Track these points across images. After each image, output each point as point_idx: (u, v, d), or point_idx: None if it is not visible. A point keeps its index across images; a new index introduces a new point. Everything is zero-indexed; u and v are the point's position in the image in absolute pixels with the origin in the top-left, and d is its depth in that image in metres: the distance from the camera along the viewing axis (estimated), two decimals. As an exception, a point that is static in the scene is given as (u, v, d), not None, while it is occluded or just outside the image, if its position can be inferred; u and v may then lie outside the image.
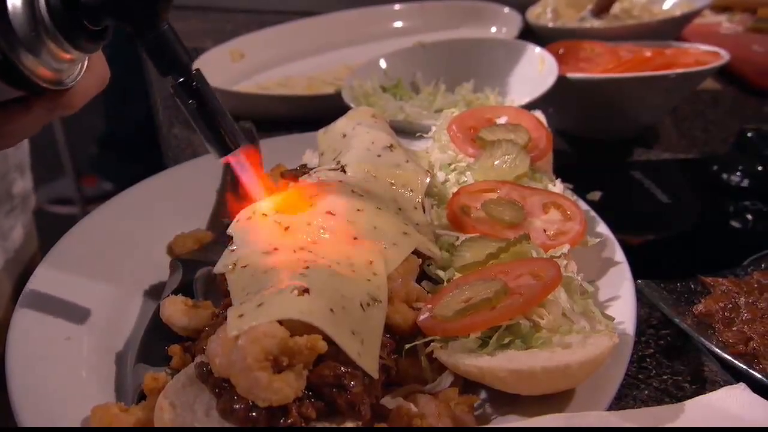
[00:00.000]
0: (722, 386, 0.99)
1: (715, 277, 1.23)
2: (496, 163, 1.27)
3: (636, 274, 1.16)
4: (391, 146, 1.32)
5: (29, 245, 1.81)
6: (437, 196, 1.28)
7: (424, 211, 1.24)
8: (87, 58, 0.98)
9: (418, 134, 1.48)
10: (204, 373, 0.87)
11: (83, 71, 0.99)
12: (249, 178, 1.08)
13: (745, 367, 1.04)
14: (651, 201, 1.65)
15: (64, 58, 0.93)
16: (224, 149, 1.00)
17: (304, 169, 1.34)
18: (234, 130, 1.00)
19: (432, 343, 0.98)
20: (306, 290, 0.90)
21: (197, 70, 0.96)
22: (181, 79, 0.95)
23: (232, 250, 1.07)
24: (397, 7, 2.71)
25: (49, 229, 1.97)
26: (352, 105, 1.73)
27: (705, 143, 1.92)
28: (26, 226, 1.79)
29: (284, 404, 0.81)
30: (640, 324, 1.20)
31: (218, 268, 1.04)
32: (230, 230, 1.11)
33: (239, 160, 1.05)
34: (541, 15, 2.39)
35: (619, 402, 1.07)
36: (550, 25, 2.31)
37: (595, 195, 1.59)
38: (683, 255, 1.49)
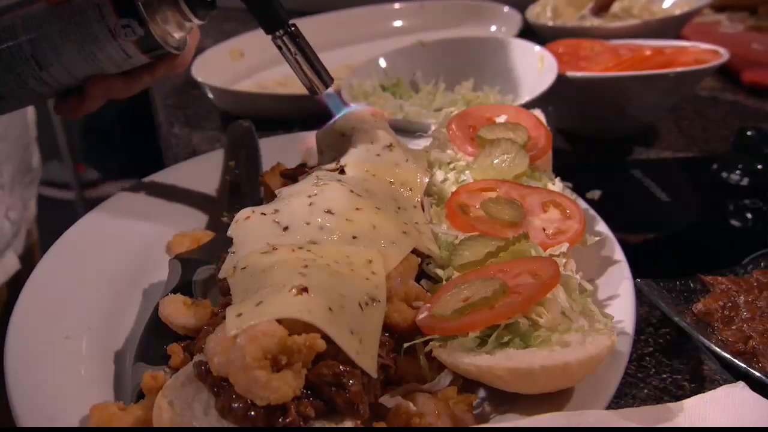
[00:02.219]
0: (722, 385, 0.99)
1: (714, 276, 1.23)
2: (495, 161, 1.27)
3: (635, 272, 1.16)
4: (390, 145, 1.32)
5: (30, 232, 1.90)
6: (436, 195, 1.28)
7: (423, 210, 1.24)
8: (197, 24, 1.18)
9: (417, 133, 1.48)
10: (203, 372, 0.87)
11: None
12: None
13: (744, 365, 1.04)
14: (650, 200, 1.65)
15: (184, 27, 1.14)
16: (325, 84, 1.22)
17: (303, 168, 1.34)
18: (327, 73, 1.23)
19: (431, 342, 0.98)
20: (305, 289, 0.90)
21: (294, 24, 1.16)
22: (284, 35, 1.16)
23: (233, 253, 1.07)
24: (396, 5, 2.71)
25: (46, 215, 2.00)
26: (351, 104, 1.73)
27: (704, 142, 1.92)
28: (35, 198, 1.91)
29: (283, 403, 0.81)
30: (640, 323, 1.20)
31: (221, 274, 1.05)
32: (230, 232, 1.11)
33: (330, 92, 1.27)
34: (541, 14, 2.39)
35: (619, 401, 1.07)
36: (550, 23, 2.31)
37: (595, 194, 1.59)
38: (683, 253, 1.49)
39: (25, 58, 1.10)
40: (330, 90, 1.25)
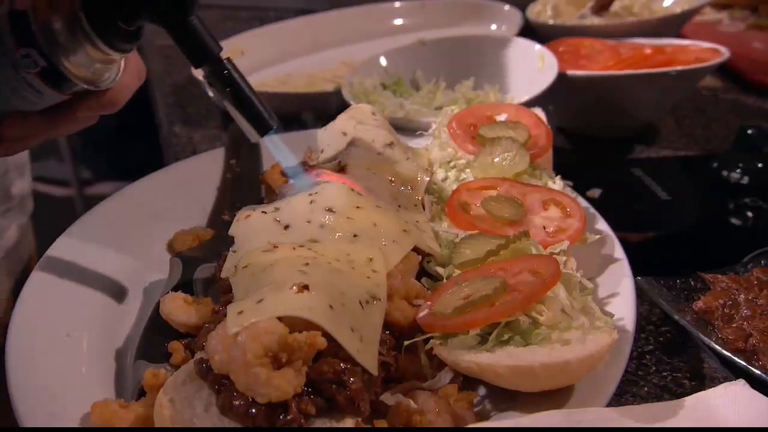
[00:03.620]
0: (722, 383, 0.99)
1: (714, 274, 1.23)
2: (495, 160, 1.27)
3: (636, 271, 1.16)
4: (391, 144, 1.32)
5: (24, 247, 1.79)
6: (437, 194, 1.28)
7: (423, 208, 1.24)
8: (125, 56, 1.03)
9: (418, 132, 1.48)
10: (204, 370, 0.87)
11: (122, 70, 1.04)
12: (284, 155, 1.13)
13: (744, 363, 1.04)
14: (651, 198, 1.65)
15: (102, 60, 0.98)
16: (262, 130, 1.05)
17: (304, 167, 1.34)
18: (268, 111, 1.04)
19: (431, 340, 0.99)
20: (305, 287, 0.90)
21: (227, 57, 1.01)
22: (213, 68, 1.00)
23: (234, 252, 1.08)
24: (397, 4, 2.71)
25: (45, 212, 1.96)
26: (352, 102, 1.74)
27: (705, 140, 1.92)
28: (22, 227, 1.77)
29: (283, 400, 0.81)
30: (640, 321, 1.20)
31: (223, 273, 1.05)
32: (231, 231, 1.12)
33: (274, 140, 1.11)
34: (541, 12, 2.39)
35: (619, 398, 1.07)
36: (551, 22, 2.30)
37: (595, 192, 1.59)
38: (683, 252, 1.49)
39: None
40: (273, 134, 1.08)
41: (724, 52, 1.80)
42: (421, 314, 1.00)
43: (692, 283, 1.23)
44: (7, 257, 1.68)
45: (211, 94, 1.00)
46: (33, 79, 0.95)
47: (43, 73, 0.94)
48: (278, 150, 1.14)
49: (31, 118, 1.03)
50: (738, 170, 1.67)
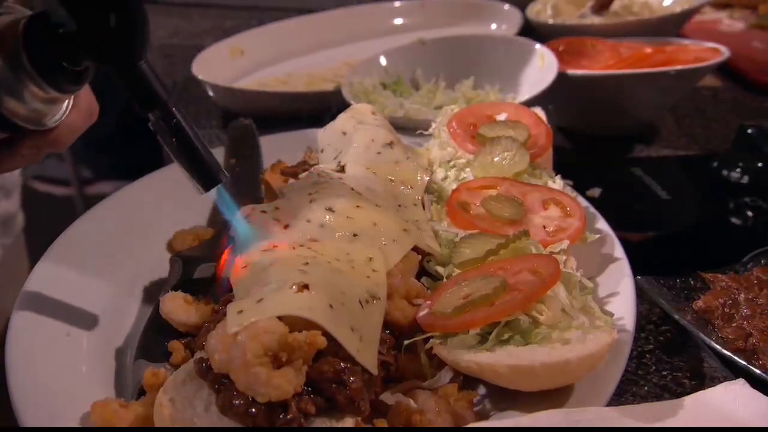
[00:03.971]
0: (722, 382, 0.99)
1: (714, 274, 1.23)
2: (495, 159, 1.27)
3: (636, 270, 1.16)
4: (390, 143, 1.32)
5: (14, 265, 1.75)
6: (437, 193, 1.28)
7: (423, 207, 1.24)
8: (71, 96, 0.99)
9: (418, 131, 1.48)
10: (203, 369, 0.87)
11: (69, 109, 1.00)
12: (230, 212, 1.09)
13: (744, 363, 1.04)
14: (651, 197, 1.65)
15: (45, 99, 0.93)
16: (207, 184, 0.98)
17: (304, 166, 1.34)
18: (216, 165, 0.98)
19: (431, 339, 0.99)
20: (305, 286, 0.90)
21: (177, 106, 0.95)
22: (161, 116, 0.94)
23: (234, 252, 1.07)
24: (397, 4, 2.71)
25: (44, 210, 1.94)
26: (352, 102, 1.73)
27: (705, 140, 1.92)
28: (6, 247, 1.71)
29: (283, 400, 0.81)
30: (640, 320, 1.20)
31: (224, 273, 1.05)
32: (231, 231, 1.12)
33: (221, 194, 1.05)
34: (541, 12, 2.39)
35: (619, 398, 1.07)
36: (550, 21, 2.30)
37: (595, 192, 1.59)
38: (683, 251, 1.49)
39: None
40: (220, 188, 1.02)
41: (724, 52, 1.80)
42: (421, 314, 1.00)
43: (692, 282, 1.23)
44: None
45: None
46: None
47: None
48: (224, 204, 1.09)
49: None
50: (738, 170, 1.67)
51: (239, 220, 1.11)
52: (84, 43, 0.88)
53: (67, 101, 1.00)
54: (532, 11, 2.38)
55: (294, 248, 1.03)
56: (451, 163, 1.34)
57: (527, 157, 1.27)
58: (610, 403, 0.94)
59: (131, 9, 0.87)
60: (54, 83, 0.91)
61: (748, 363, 1.04)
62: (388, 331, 0.98)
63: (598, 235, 1.21)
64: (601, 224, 1.27)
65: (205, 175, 0.98)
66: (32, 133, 0.96)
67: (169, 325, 1.07)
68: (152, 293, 1.20)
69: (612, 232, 1.24)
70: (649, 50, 1.86)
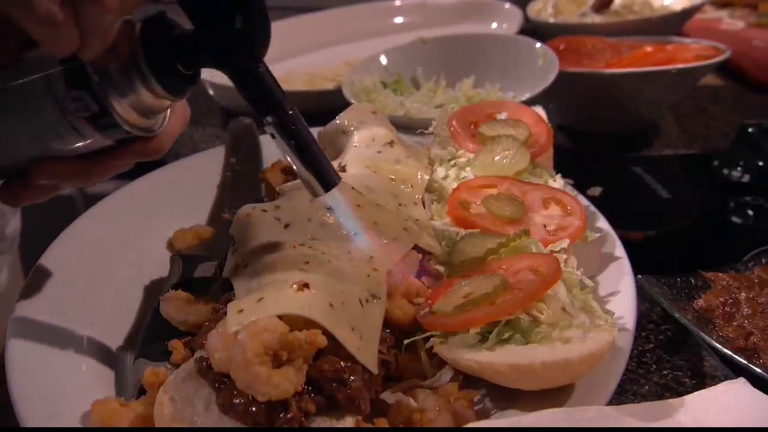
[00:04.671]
0: (722, 381, 0.99)
1: (715, 272, 1.23)
2: (496, 158, 1.27)
3: (636, 269, 1.16)
4: (391, 142, 1.32)
5: (15, 286, 1.75)
6: (437, 192, 1.28)
7: (424, 206, 1.24)
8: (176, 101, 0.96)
9: (418, 130, 1.48)
10: (204, 368, 0.87)
11: (168, 114, 0.98)
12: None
13: (745, 362, 1.04)
14: (651, 196, 1.65)
15: (155, 106, 0.91)
16: (326, 186, 0.94)
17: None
18: (330, 168, 0.94)
19: (432, 338, 0.98)
20: (306, 285, 0.90)
21: (294, 108, 0.92)
22: (278, 119, 0.91)
23: (234, 251, 1.07)
24: (397, 2, 2.71)
25: (44, 209, 1.93)
26: (352, 101, 1.73)
27: (706, 139, 1.92)
28: (11, 266, 1.68)
29: (284, 399, 0.81)
30: (640, 319, 1.20)
31: (224, 273, 1.05)
32: (231, 230, 1.12)
33: (335, 196, 1.01)
34: (542, 10, 2.39)
35: (619, 397, 1.07)
36: (551, 20, 2.31)
37: (596, 190, 1.59)
38: (683, 250, 1.49)
39: None
40: (335, 192, 0.96)
41: (725, 51, 1.80)
42: (422, 313, 1.00)
43: (693, 281, 1.22)
44: (1, 300, 1.61)
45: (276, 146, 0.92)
46: (80, 123, 0.87)
47: (93, 117, 0.86)
48: (339, 207, 1.09)
49: (66, 164, 0.93)
50: (738, 168, 1.67)
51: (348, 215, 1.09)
52: (204, 46, 0.85)
53: (170, 107, 0.97)
54: (533, 10, 2.38)
55: (294, 247, 1.03)
56: (452, 162, 1.34)
57: (528, 155, 1.27)
58: (610, 402, 0.94)
59: (257, 9, 0.86)
60: (169, 87, 0.88)
61: (748, 362, 1.04)
62: (388, 330, 0.98)
63: (598, 234, 1.21)
64: (602, 223, 1.27)
65: (323, 177, 0.93)
66: (135, 141, 0.94)
67: (169, 324, 1.07)
68: (152, 292, 1.20)
69: (612, 231, 1.24)
70: (649, 49, 1.86)
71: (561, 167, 1.33)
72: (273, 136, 0.92)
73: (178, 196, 1.39)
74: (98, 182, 0.99)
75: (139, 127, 0.91)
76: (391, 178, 1.24)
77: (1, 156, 0.92)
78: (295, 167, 0.94)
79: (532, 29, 2.28)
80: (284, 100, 0.91)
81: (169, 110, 0.97)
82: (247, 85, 0.89)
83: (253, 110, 0.91)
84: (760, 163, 1.66)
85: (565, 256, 1.08)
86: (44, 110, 0.86)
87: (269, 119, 0.91)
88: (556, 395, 0.94)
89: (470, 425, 0.89)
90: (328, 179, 0.93)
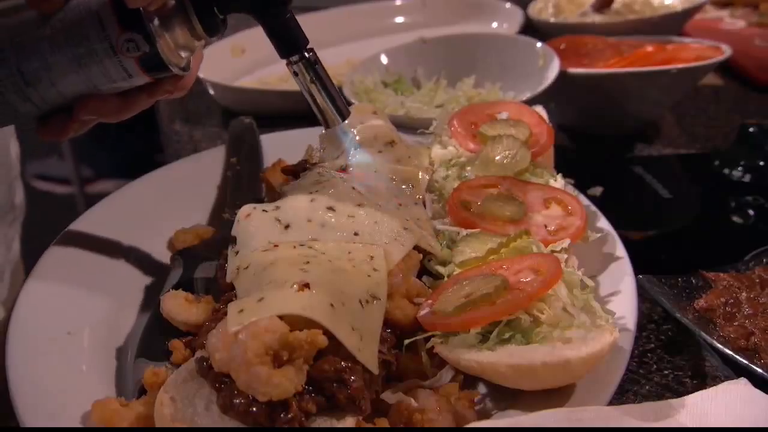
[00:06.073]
0: (723, 381, 0.99)
1: (716, 272, 1.22)
2: (497, 158, 1.27)
3: (637, 269, 1.16)
4: (392, 142, 1.32)
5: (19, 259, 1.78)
6: (438, 192, 1.28)
7: (424, 206, 1.24)
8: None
9: (419, 130, 1.48)
10: (204, 368, 0.87)
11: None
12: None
13: (746, 362, 1.03)
14: (652, 196, 1.65)
15: (192, 47, 1.00)
16: (341, 117, 1.09)
17: (304, 165, 1.34)
18: (344, 104, 1.09)
19: (432, 339, 0.98)
20: (306, 285, 0.90)
21: (312, 49, 1.04)
22: (302, 60, 1.04)
23: (235, 252, 1.08)
24: (398, 2, 2.71)
25: (45, 209, 1.93)
26: (353, 100, 1.73)
27: (706, 138, 1.92)
28: (21, 237, 1.72)
29: (284, 399, 0.81)
30: (641, 319, 1.20)
31: (227, 277, 1.05)
32: (233, 231, 1.12)
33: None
34: (543, 10, 2.39)
35: (620, 397, 1.07)
36: (552, 20, 2.31)
37: (596, 190, 1.59)
38: (684, 250, 1.48)
39: (10, 72, 0.94)
40: (345, 123, 1.13)
41: (726, 50, 1.80)
42: (422, 313, 1.00)
43: (693, 281, 1.22)
44: (14, 270, 1.64)
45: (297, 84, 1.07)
46: (129, 63, 0.95)
47: (143, 58, 0.94)
48: (345, 134, 1.28)
49: (107, 101, 1.02)
50: (739, 168, 1.67)
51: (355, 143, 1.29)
52: None
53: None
54: (534, 9, 2.37)
55: (295, 247, 1.03)
56: (452, 162, 1.34)
57: (528, 155, 1.27)
58: (611, 403, 0.94)
59: None
60: (208, 28, 0.98)
61: (749, 362, 1.04)
62: (389, 330, 0.98)
63: (599, 234, 1.21)
64: (603, 223, 1.27)
65: (339, 108, 1.08)
66: (168, 79, 1.02)
67: (169, 324, 1.07)
68: (153, 292, 1.20)
69: (613, 231, 1.24)
70: (650, 49, 1.86)
71: (562, 167, 1.33)
72: (295, 74, 1.05)
73: (178, 196, 1.39)
74: (125, 118, 1.08)
75: (179, 66, 1.00)
76: (392, 178, 1.24)
77: (51, 95, 0.98)
78: (312, 102, 1.07)
79: (533, 29, 2.28)
80: (307, 42, 1.04)
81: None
82: (274, 28, 1.02)
83: (278, 50, 1.04)
84: (761, 163, 1.66)
85: (565, 256, 1.08)
86: (96, 51, 0.93)
87: (294, 59, 1.04)
88: (556, 395, 0.94)
89: (471, 425, 0.89)
90: (343, 110, 1.09)
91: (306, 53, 1.04)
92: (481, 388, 0.99)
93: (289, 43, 1.03)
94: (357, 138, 1.34)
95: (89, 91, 0.99)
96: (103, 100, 1.01)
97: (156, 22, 0.94)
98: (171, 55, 0.97)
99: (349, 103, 1.52)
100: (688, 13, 2.20)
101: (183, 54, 1.00)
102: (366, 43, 2.42)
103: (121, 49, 0.93)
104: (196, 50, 1.04)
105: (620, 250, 1.20)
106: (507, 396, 0.96)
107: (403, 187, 1.24)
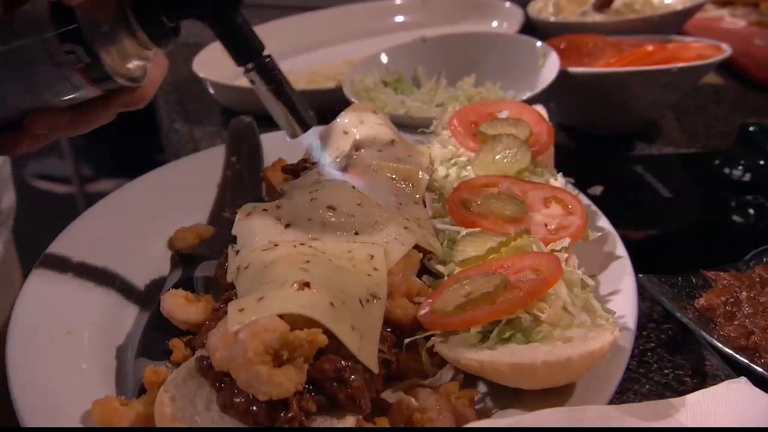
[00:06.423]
0: (723, 380, 0.99)
1: (716, 272, 1.23)
2: (497, 157, 1.27)
3: (637, 268, 1.16)
4: (392, 141, 1.32)
5: (10, 263, 1.74)
6: (438, 191, 1.28)
7: (425, 205, 1.24)
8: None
9: (419, 129, 1.48)
10: (204, 367, 0.87)
11: (150, 65, 1.03)
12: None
13: (746, 361, 1.03)
14: (652, 195, 1.65)
15: (142, 56, 0.97)
16: (302, 127, 1.03)
17: (305, 165, 1.34)
18: (307, 112, 1.03)
19: (433, 338, 0.98)
20: (306, 284, 0.90)
21: (269, 55, 1.00)
22: (257, 66, 0.99)
23: (236, 251, 1.08)
24: (398, 1, 2.71)
25: (45, 208, 1.92)
26: (353, 99, 1.73)
27: (707, 138, 1.92)
28: (6, 242, 1.72)
29: (284, 398, 0.81)
30: (642, 318, 1.20)
31: (228, 277, 1.05)
32: (233, 230, 1.12)
33: (311, 137, 1.11)
34: (543, 9, 2.39)
35: (620, 396, 1.07)
36: (552, 19, 2.30)
37: (597, 189, 1.59)
38: (685, 249, 1.48)
39: None
40: (312, 132, 1.07)
41: (726, 50, 1.80)
42: (422, 312, 1.00)
43: (694, 280, 1.22)
44: (3, 273, 1.65)
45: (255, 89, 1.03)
46: (73, 75, 0.93)
47: (86, 69, 0.92)
48: (314, 146, 1.22)
49: (59, 115, 0.99)
50: (740, 167, 1.67)
51: (325, 156, 1.26)
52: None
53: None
54: (534, 9, 2.37)
55: (295, 246, 1.03)
56: (453, 161, 1.34)
57: (529, 154, 1.27)
58: (611, 402, 0.93)
59: None
60: (155, 39, 0.95)
61: (750, 361, 1.04)
62: (389, 329, 0.98)
63: (599, 233, 1.21)
64: (603, 222, 1.27)
65: (300, 118, 1.03)
66: (122, 91, 1.00)
67: (169, 323, 1.07)
68: (153, 291, 1.20)
69: (613, 230, 1.24)
70: (650, 48, 1.86)
71: (562, 166, 1.33)
72: (252, 82, 1.00)
73: (178, 195, 1.39)
74: (84, 132, 1.05)
75: (127, 76, 0.97)
76: (392, 177, 1.24)
77: None
78: (272, 111, 1.03)
79: (533, 28, 2.28)
80: (262, 47, 0.99)
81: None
82: (227, 34, 0.97)
83: (233, 58, 0.99)
84: (761, 162, 1.66)
85: (566, 255, 1.08)
86: (38, 63, 0.91)
87: (249, 66, 0.99)
88: (557, 394, 0.93)
89: (471, 425, 0.89)
90: (305, 119, 1.03)
91: (264, 59, 0.99)
92: (482, 388, 0.99)
93: (244, 49, 0.99)
94: (343, 143, 1.30)
95: (40, 105, 0.97)
96: (54, 114, 0.99)
97: (97, 32, 0.91)
98: (117, 65, 0.94)
99: (349, 103, 1.52)
100: (688, 13, 2.20)
101: (133, 64, 0.97)
102: (366, 43, 2.42)
103: (62, 61, 0.91)
104: (151, 59, 1.00)
105: (620, 250, 1.20)
106: (507, 395, 0.96)
107: (404, 186, 1.24)
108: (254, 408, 0.81)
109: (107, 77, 0.94)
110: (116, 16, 0.91)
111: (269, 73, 1.00)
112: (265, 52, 0.99)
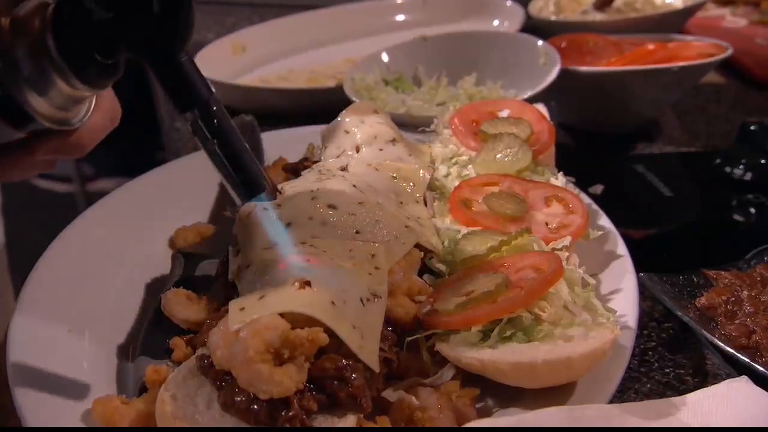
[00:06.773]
0: (725, 379, 0.99)
1: (717, 270, 1.23)
2: (498, 156, 1.27)
3: (638, 267, 1.16)
4: (393, 140, 1.32)
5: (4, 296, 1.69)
6: (439, 190, 1.28)
7: (426, 204, 1.23)
8: (95, 95, 0.91)
9: (420, 128, 1.48)
10: (205, 366, 0.87)
11: (91, 109, 0.91)
12: (272, 225, 1.04)
13: (747, 360, 1.03)
14: (653, 194, 1.64)
15: (71, 96, 0.84)
16: (248, 194, 0.87)
17: (305, 163, 1.34)
18: (258, 172, 0.87)
19: (433, 336, 0.99)
20: (307, 283, 0.90)
21: (218, 104, 0.85)
22: (200, 116, 0.84)
23: (237, 251, 1.07)
24: (399, 0, 2.71)
25: (45, 207, 1.92)
26: (353, 98, 1.73)
27: (707, 136, 1.91)
28: None
29: (285, 397, 0.81)
30: (643, 317, 1.20)
31: (229, 276, 1.05)
32: (234, 230, 1.12)
33: (262, 206, 0.96)
34: (544, 8, 2.39)
35: (621, 395, 1.07)
36: (553, 18, 2.30)
37: (597, 188, 1.59)
38: (686, 248, 1.48)
39: None
40: (262, 198, 0.89)
41: (727, 48, 1.79)
42: (423, 310, 1.00)
43: (695, 279, 1.22)
44: None
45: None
46: None
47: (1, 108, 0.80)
48: (266, 217, 1.04)
49: None
50: (741, 166, 1.67)
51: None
52: (121, 32, 0.77)
53: (91, 100, 0.91)
54: (535, 8, 2.37)
55: (295, 246, 1.03)
56: (453, 160, 1.34)
57: (530, 153, 1.27)
58: (612, 401, 0.93)
59: None
60: (83, 77, 0.81)
61: (751, 360, 1.04)
62: (390, 328, 0.98)
63: (600, 232, 1.21)
64: (604, 221, 1.27)
65: (245, 184, 0.87)
66: (51, 135, 0.87)
67: (170, 322, 1.07)
68: (154, 290, 1.20)
69: (614, 229, 1.24)
70: (651, 47, 1.86)
71: (563, 165, 1.33)
72: (195, 134, 0.86)
73: (179, 194, 1.39)
74: (13, 180, 0.93)
75: (54, 119, 0.84)
76: (393, 176, 1.24)
77: None
78: (216, 169, 0.87)
79: (534, 27, 2.27)
80: (208, 95, 0.83)
81: (92, 104, 0.91)
82: (165, 77, 0.81)
83: (173, 105, 0.84)
84: (762, 161, 1.66)
85: (566, 254, 1.08)
86: None
87: (188, 116, 0.84)
88: (557, 393, 0.94)
89: (472, 424, 0.89)
90: (250, 185, 0.86)
91: (209, 108, 0.84)
92: (482, 387, 0.99)
93: (185, 95, 0.82)
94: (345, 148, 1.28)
95: None
96: None
97: (15, 67, 0.78)
98: (40, 105, 0.81)
99: (349, 102, 1.52)
100: (689, 11, 2.20)
101: (60, 105, 0.84)
102: (367, 41, 2.42)
103: None
104: (85, 100, 0.88)
105: (621, 248, 1.20)
106: (508, 394, 0.96)
107: (404, 185, 1.24)
108: (255, 407, 0.81)
109: (27, 118, 0.81)
110: (35, 46, 0.78)
111: (214, 125, 0.84)
112: (213, 100, 0.84)
